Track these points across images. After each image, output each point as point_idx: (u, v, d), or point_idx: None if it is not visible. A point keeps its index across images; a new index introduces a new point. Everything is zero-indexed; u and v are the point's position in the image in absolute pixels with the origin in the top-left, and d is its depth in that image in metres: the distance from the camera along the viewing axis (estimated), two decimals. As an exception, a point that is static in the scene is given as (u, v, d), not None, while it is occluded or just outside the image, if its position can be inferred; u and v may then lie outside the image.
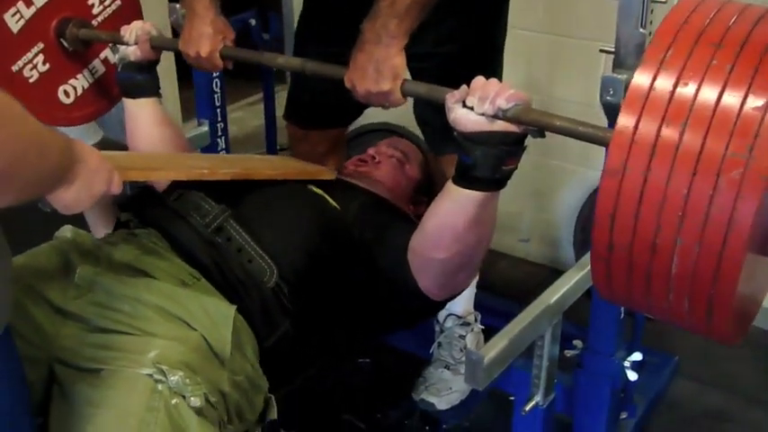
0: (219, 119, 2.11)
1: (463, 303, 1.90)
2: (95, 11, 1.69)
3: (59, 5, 1.61)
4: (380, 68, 1.29)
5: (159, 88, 1.62)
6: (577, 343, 1.64)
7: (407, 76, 1.33)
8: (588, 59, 2.26)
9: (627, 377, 1.64)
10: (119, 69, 1.58)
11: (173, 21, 1.89)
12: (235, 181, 1.36)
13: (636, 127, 0.88)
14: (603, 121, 2.24)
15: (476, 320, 1.95)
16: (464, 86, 1.14)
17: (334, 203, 1.40)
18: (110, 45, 1.64)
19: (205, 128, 2.09)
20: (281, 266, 1.28)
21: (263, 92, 2.34)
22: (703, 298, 0.89)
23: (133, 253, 1.25)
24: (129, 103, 1.59)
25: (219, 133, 2.12)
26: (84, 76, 1.70)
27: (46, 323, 1.15)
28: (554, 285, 1.36)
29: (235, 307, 1.17)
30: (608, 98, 1.26)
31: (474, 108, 1.11)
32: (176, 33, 1.93)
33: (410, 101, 1.39)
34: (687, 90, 0.87)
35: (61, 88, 1.66)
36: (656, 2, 1.25)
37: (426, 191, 1.80)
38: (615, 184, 0.89)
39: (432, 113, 1.68)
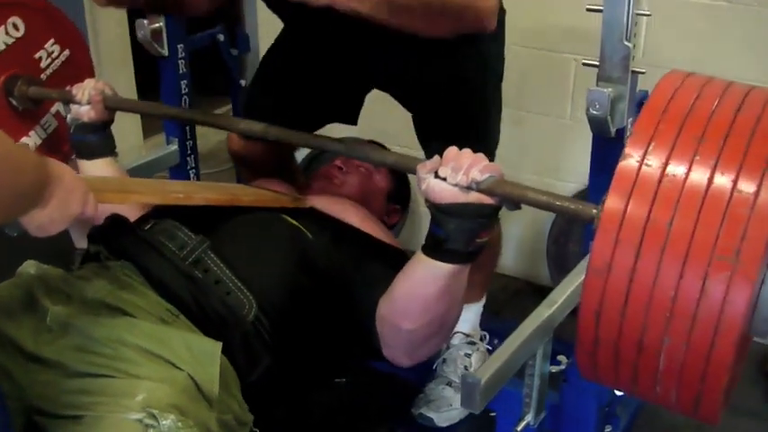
0: (189, 137, 2.04)
1: (470, 322, 1.88)
2: (44, 64, 1.63)
3: (5, 62, 1.55)
4: None
5: (115, 147, 1.57)
6: (562, 359, 1.62)
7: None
8: (558, 71, 2.29)
9: (613, 391, 1.62)
10: (71, 130, 1.52)
11: (141, 37, 1.83)
12: (209, 208, 1.31)
13: (620, 224, 0.86)
14: (573, 134, 2.35)
15: (482, 340, 1.92)
16: (436, 156, 1.12)
17: (309, 235, 1.36)
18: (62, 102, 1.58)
19: (174, 146, 2.02)
20: (259, 299, 1.24)
21: (232, 108, 2.27)
22: (691, 393, 0.89)
23: (107, 289, 1.18)
24: (82, 163, 1.53)
25: (189, 152, 2.05)
26: (35, 132, 1.64)
27: (17, 371, 1.08)
28: (543, 304, 1.33)
29: (220, 343, 1.12)
30: (593, 112, 1.24)
31: (447, 179, 1.08)
32: (141, 49, 1.89)
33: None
34: (672, 184, 0.86)
35: None
36: (640, 14, 1.24)
37: (398, 198, 1.77)
38: (601, 282, 0.87)
39: (436, 131, 1.65)
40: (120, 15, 2.83)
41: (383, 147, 1.79)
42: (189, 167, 2.07)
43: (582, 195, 2.35)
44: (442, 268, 1.13)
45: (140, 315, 1.15)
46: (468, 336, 1.89)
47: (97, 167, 1.52)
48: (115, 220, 1.32)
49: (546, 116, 2.36)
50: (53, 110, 1.66)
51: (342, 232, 1.42)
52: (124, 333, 1.09)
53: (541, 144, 2.40)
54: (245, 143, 1.82)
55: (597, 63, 1.27)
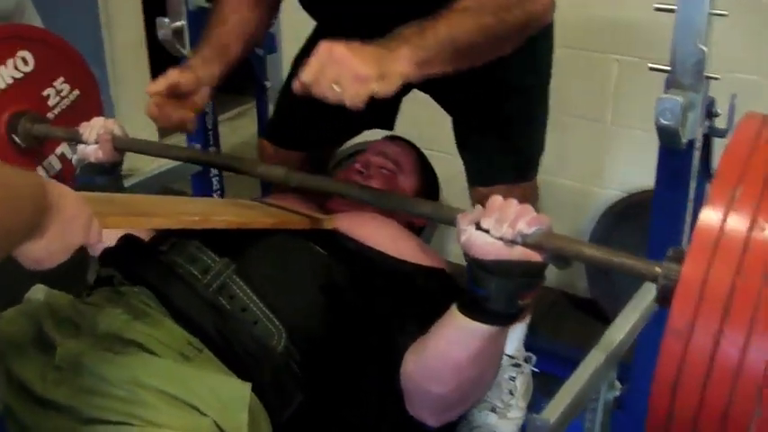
0: (212, 142, 1.93)
1: (515, 342, 1.75)
2: (51, 102, 1.54)
3: (11, 98, 1.46)
4: (374, 54, 1.07)
5: (124, 190, 1.46)
6: (615, 383, 1.52)
7: (392, 86, 1.09)
8: (599, 73, 2.16)
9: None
10: (77, 171, 1.40)
11: (162, 36, 1.73)
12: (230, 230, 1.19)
13: (705, 279, 0.75)
14: (614, 140, 2.24)
15: (527, 361, 1.79)
16: (479, 206, 1.00)
17: (336, 265, 1.24)
18: (69, 142, 1.48)
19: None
20: (289, 328, 1.12)
21: (256, 110, 2.15)
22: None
23: (121, 319, 1.06)
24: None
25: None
26: (38, 173, 1.52)
27: (24, 414, 0.97)
28: (607, 334, 1.23)
29: (249, 385, 0.99)
30: (664, 122, 1.12)
31: (490, 231, 0.96)
32: (156, 50, 1.79)
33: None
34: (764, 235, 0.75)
35: None
36: (716, 14, 1.11)
37: (426, 197, 1.64)
38: (680, 347, 0.76)
39: (478, 136, 1.54)
40: (135, 13, 2.75)
41: (415, 147, 1.68)
42: (212, 175, 1.97)
43: (624, 203, 2.24)
44: (479, 329, 1.00)
45: (158, 350, 1.03)
46: (512, 357, 1.76)
47: None
48: (130, 240, 1.20)
49: (586, 120, 2.24)
50: (58, 151, 1.57)
51: (370, 262, 1.28)
52: (140, 373, 0.97)
53: (581, 149, 2.28)
54: (279, 152, 1.73)
55: (667, 68, 1.15)
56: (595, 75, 2.19)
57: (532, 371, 1.79)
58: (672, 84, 1.14)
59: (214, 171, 1.97)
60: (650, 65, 1.17)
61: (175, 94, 1.38)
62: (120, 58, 2.80)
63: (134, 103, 2.78)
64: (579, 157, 2.29)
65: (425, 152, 1.70)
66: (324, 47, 1.06)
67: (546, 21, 1.29)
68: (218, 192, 2.03)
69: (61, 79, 1.56)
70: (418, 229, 1.63)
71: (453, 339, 1.04)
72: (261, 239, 1.21)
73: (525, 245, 0.95)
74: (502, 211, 0.96)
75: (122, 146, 1.39)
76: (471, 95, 1.49)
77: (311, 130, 1.67)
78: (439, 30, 1.14)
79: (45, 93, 1.53)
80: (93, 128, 1.37)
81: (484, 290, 0.96)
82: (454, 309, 1.03)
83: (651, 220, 1.30)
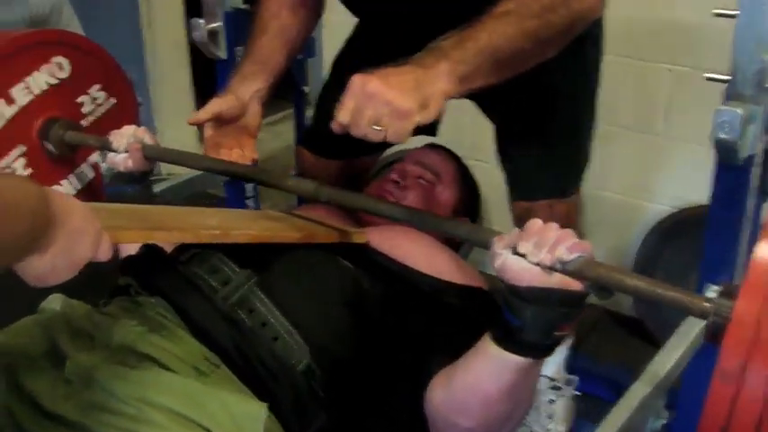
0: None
1: (555, 364, 1.68)
2: (86, 109, 1.50)
3: (45, 105, 1.41)
4: (411, 80, 1.00)
5: (153, 200, 1.42)
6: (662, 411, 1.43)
7: (436, 111, 1.03)
8: (650, 82, 2.07)
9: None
10: (107, 181, 1.36)
11: (196, 38, 1.69)
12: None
13: (759, 318, 0.70)
14: (664, 152, 2.14)
15: (568, 384, 1.71)
16: (515, 229, 0.92)
17: (366, 284, 1.18)
18: (99, 151, 1.44)
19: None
20: (312, 346, 1.06)
21: (294, 115, 2.11)
22: None
23: (135, 331, 1.02)
24: None
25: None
26: (69, 181, 1.50)
27: (31, 428, 0.93)
28: (654, 362, 1.15)
29: (266, 405, 0.94)
30: (722, 136, 1.04)
31: (527, 256, 0.89)
32: (197, 51, 1.76)
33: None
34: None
35: None
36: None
37: (467, 209, 1.57)
38: (730, 391, 0.70)
39: (521, 146, 1.46)
40: (177, 14, 2.73)
41: (456, 156, 1.61)
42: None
43: (673, 219, 2.15)
44: (512, 361, 0.93)
45: (173, 364, 0.98)
46: (552, 380, 1.69)
47: None
48: (150, 250, 1.15)
49: (634, 131, 2.15)
50: (91, 159, 1.52)
51: (401, 278, 1.22)
52: (150, 391, 0.92)
53: (629, 161, 2.19)
54: (318, 161, 1.68)
55: (726, 77, 1.07)
56: (645, 84, 2.09)
57: (574, 393, 1.72)
58: (731, 95, 1.06)
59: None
60: (707, 74, 1.09)
61: (223, 121, 1.34)
62: (160, 59, 2.79)
63: (173, 104, 2.77)
64: (626, 170, 2.20)
65: (468, 161, 1.63)
66: (356, 82, 1.00)
67: (594, 16, 1.20)
68: (253, 198, 1.98)
69: (97, 86, 1.52)
70: (458, 244, 1.56)
71: (483, 370, 0.97)
72: (286, 252, 1.16)
73: (564, 272, 0.88)
74: (541, 236, 0.89)
75: (152, 155, 1.34)
76: (515, 101, 1.41)
77: (349, 138, 1.62)
78: (479, 39, 1.06)
79: (80, 100, 1.49)
80: (124, 136, 1.33)
81: (518, 319, 0.89)
82: (486, 337, 0.96)
83: (704, 240, 1.22)
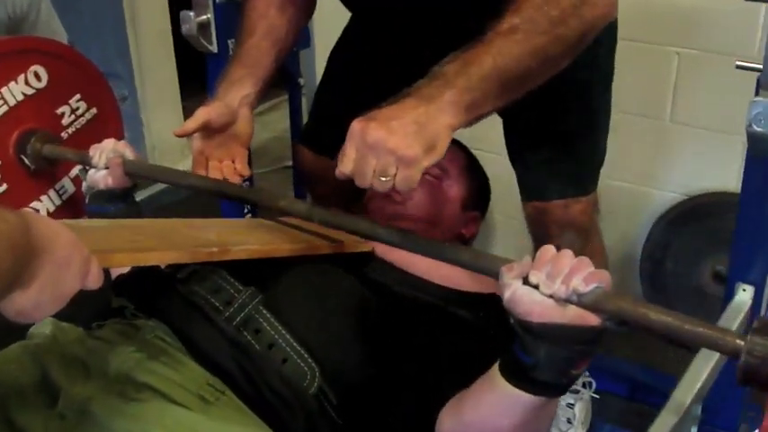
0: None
1: None
2: (65, 121, 1.42)
3: (21, 116, 1.34)
4: (413, 121, 0.93)
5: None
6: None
7: (443, 150, 0.97)
8: (658, 67, 2.00)
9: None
10: (87, 199, 1.28)
11: (186, 31, 1.62)
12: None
13: None
14: (673, 138, 2.08)
15: (586, 387, 1.65)
16: (527, 257, 0.85)
17: (373, 297, 1.12)
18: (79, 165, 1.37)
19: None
20: (323, 366, 1.00)
21: (289, 108, 2.01)
22: None
23: (133, 358, 0.95)
24: None
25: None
26: (49, 197, 1.42)
27: None
28: (690, 372, 1.08)
29: None
30: (756, 128, 0.98)
31: (540, 287, 0.82)
32: (188, 45, 1.68)
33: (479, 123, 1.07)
34: None
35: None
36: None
37: (476, 202, 1.50)
38: None
39: (532, 144, 1.40)
40: (161, 6, 2.65)
41: (464, 147, 1.54)
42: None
43: (683, 206, 2.08)
44: (524, 399, 0.86)
45: (174, 394, 0.91)
46: None
47: None
48: (144, 268, 1.08)
49: (642, 117, 2.07)
50: (72, 173, 1.45)
51: (409, 288, 1.16)
52: (150, 425, 0.86)
53: (637, 148, 2.11)
54: (319, 159, 1.61)
55: (758, 66, 1.01)
56: (652, 68, 2.01)
57: (592, 396, 1.67)
58: (764, 85, 1.00)
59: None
60: (738, 62, 1.02)
61: (213, 130, 1.27)
62: (145, 51, 2.71)
63: (160, 97, 2.72)
64: (634, 157, 2.13)
65: (475, 152, 1.56)
66: (356, 131, 0.92)
67: (606, 23, 1.11)
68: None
69: (77, 96, 1.45)
70: (468, 240, 1.50)
71: (496, 405, 0.89)
72: (289, 266, 1.09)
73: (580, 305, 0.80)
74: (554, 264, 0.82)
75: (134, 170, 1.26)
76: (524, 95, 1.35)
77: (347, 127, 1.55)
78: (484, 62, 0.97)
79: (59, 111, 1.42)
80: (104, 151, 1.26)
81: (531, 357, 0.82)
82: (496, 372, 0.89)
83: (734, 237, 1.16)
